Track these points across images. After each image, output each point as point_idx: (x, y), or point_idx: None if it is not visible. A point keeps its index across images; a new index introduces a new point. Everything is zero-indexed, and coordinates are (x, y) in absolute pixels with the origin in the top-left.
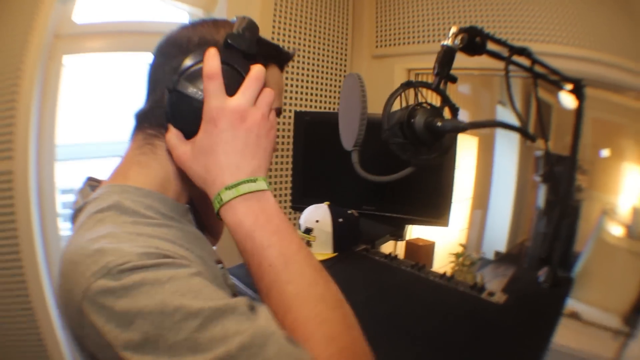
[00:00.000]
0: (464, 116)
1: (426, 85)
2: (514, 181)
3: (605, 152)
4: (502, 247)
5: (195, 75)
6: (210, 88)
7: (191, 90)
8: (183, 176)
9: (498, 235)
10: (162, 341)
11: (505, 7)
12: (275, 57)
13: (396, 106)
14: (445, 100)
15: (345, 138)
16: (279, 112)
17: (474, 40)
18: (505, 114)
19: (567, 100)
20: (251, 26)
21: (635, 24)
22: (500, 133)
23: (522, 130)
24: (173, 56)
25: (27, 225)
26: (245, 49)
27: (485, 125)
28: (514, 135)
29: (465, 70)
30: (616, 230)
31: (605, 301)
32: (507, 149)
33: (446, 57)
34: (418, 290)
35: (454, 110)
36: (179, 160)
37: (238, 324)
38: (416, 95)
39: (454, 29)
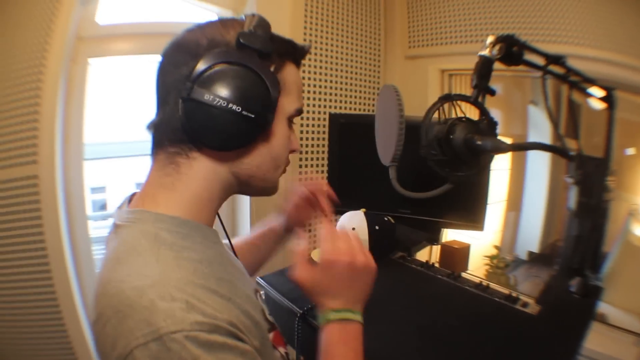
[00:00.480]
0: (495, 116)
1: (465, 98)
2: (546, 182)
3: (630, 151)
4: (534, 247)
5: (210, 81)
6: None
7: (207, 97)
8: (210, 196)
9: (531, 235)
10: None
11: (537, 7)
12: (290, 53)
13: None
14: (484, 114)
15: (382, 152)
16: (299, 112)
17: (512, 50)
18: (537, 114)
19: (596, 102)
20: (263, 23)
21: None
22: (532, 134)
23: (561, 151)
24: (183, 63)
25: (55, 229)
26: (260, 48)
27: (526, 148)
28: (546, 136)
29: (497, 72)
30: None
31: (631, 304)
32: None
33: (484, 68)
34: (454, 300)
35: (492, 125)
36: (304, 282)
37: None
38: (454, 109)
39: (491, 38)
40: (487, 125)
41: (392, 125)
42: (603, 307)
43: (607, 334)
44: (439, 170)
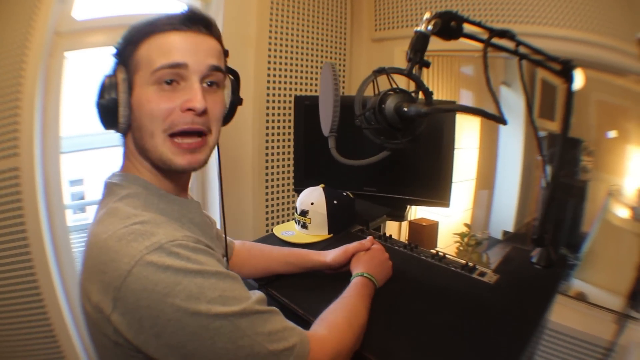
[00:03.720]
0: (467, 97)
1: (398, 71)
2: (520, 161)
3: (612, 133)
4: (509, 227)
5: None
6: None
7: None
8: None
9: (505, 215)
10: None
11: None
12: (145, 33)
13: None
14: (419, 85)
15: (324, 124)
16: (167, 66)
17: (449, 25)
18: (509, 95)
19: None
20: (125, 33)
21: (630, 7)
22: (505, 112)
23: (484, 113)
24: None
25: (35, 219)
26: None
27: (448, 110)
28: (518, 114)
29: (466, 53)
30: (621, 212)
31: (610, 283)
32: (512, 129)
33: (419, 43)
34: (409, 270)
35: (428, 95)
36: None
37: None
38: (389, 81)
39: (427, 15)
40: (424, 96)
41: (330, 99)
42: (582, 286)
43: (586, 312)
44: (374, 139)
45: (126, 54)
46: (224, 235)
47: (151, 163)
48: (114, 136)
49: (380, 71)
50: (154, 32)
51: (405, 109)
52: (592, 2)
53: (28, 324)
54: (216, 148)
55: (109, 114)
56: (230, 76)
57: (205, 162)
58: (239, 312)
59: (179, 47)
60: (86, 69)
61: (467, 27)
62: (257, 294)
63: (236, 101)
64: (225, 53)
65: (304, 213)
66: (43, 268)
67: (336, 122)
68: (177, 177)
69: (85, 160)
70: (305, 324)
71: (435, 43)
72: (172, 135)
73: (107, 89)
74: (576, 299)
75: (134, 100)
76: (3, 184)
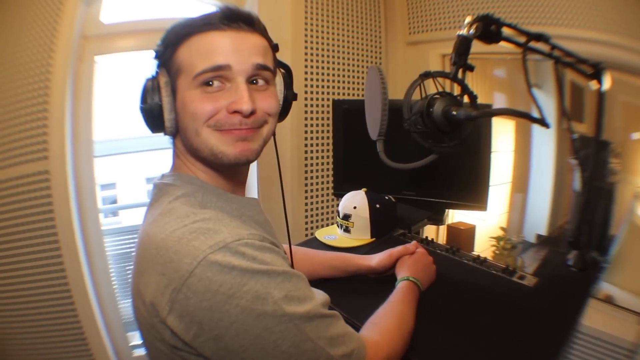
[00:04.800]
0: (500, 100)
1: (444, 75)
2: (552, 163)
3: (636, 135)
4: (543, 230)
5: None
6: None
7: None
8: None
9: (539, 218)
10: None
11: None
12: (184, 35)
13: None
14: (464, 89)
15: (371, 128)
16: (209, 70)
17: (489, 29)
18: (541, 97)
19: (594, 84)
20: (164, 35)
21: None
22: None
23: (529, 116)
24: None
25: (68, 222)
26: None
27: (497, 113)
28: (550, 117)
29: (498, 55)
30: None
31: (637, 285)
32: (545, 132)
33: (462, 47)
34: (452, 273)
35: (473, 98)
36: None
37: (307, 289)
38: (435, 84)
39: (468, 19)
40: (469, 99)
41: (377, 102)
42: (610, 289)
43: (612, 315)
44: (422, 142)
45: (166, 57)
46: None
47: (203, 162)
48: (148, 141)
49: (426, 75)
50: (192, 33)
51: (455, 113)
52: (614, 3)
53: (59, 327)
54: (273, 144)
55: (154, 118)
56: (282, 70)
57: (259, 152)
58: (304, 315)
59: (220, 47)
60: (119, 74)
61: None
62: (322, 296)
63: (290, 96)
64: (275, 47)
65: (346, 217)
66: (75, 271)
67: (385, 126)
68: (232, 174)
69: (118, 164)
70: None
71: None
72: (219, 130)
73: (150, 93)
74: (604, 302)
75: (178, 104)
76: (33, 187)
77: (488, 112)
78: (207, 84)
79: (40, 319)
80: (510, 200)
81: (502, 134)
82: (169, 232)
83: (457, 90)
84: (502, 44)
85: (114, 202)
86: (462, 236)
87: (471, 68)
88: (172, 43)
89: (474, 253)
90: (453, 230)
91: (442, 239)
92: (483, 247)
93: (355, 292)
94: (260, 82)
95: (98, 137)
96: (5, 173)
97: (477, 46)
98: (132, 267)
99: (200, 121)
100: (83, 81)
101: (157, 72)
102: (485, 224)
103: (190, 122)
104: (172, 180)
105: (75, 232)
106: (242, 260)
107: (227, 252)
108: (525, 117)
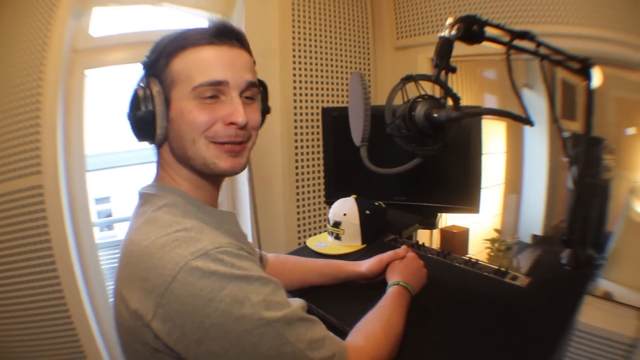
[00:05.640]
0: (491, 102)
1: (426, 77)
2: (546, 163)
3: (630, 130)
4: (538, 230)
5: None
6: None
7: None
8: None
9: (534, 218)
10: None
11: None
12: (178, 47)
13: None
14: (447, 91)
15: (355, 134)
16: (208, 84)
17: (472, 29)
18: (532, 97)
19: (582, 80)
20: (154, 46)
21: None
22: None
23: (512, 115)
24: None
25: (62, 237)
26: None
27: (478, 114)
28: (542, 116)
29: (487, 57)
30: None
31: (635, 281)
32: (537, 131)
33: (444, 49)
34: (443, 276)
35: (456, 100)
36: (394, 265)
37: (284, 296)
38: (417, 88)
39: (450, 20)
40: (452, 101)
41: (360, 109)
42: (608, 285)
43: (610, 310)
44: (405, 146)
45: (158, 67)
46: (256, 246)
47: (191, 170)
48: (141, 154)
49: (408, 79)
50: (188, 45)
51: (436, 115)
52: None
53: (57, 341)
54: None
55: (144, 126)
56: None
57: (245, 165)
58: (282, 318)
59: (217, 63)
60: (109, 87)
61: (487, 31)
62: (299, 301)
63: (265, 110)
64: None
65: (336, 224)
66: (71, 285)
67: (367, 132)
68: (211, 187)
69: (111, 178)
70: (341, 334)
71: (456, 48)
72: (214, 142)
73: (142, 101)
74: (601, 298)
75: (172, 113)
76: (27, 202)
77: (469, 113)
78: (207, 97)
79: (36, 333)
80: (504, 202)
81: (494, 136)
82: (152, 240)
83: (440, 93)
84: (491, 44)
85: (109, 215)
86: (456, 239)
87: (453, 70)
88: (166, 54)
89: (465, 256)
90: (446, 234)
91: (435, 243)
92: (478, 249)
93: (346, 299)
94: (249, 97)
95: (91, 150)
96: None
97: (466, 49)
98: (115, 272)
99: (198, 131)
100: (74, 95)
101: (147, 82)
102: (479, 227)
103: (188, 130)
104: (155, 190)
105: (69, 246)
106: (221, 266)
107: (208, 259)
108: (508, 117)
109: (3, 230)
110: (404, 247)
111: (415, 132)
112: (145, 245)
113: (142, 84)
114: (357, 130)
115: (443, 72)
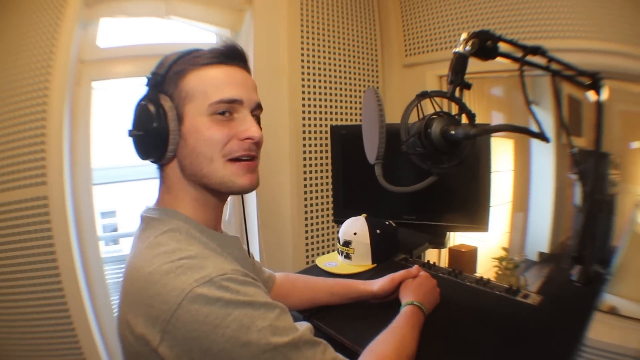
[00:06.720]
0: (498, 118)
1: (441, 94)
2: (552, 180)
3: (635, 144)
4: (545, 247)
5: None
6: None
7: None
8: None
9: (540, 236)
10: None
11: (531, 6)
12: (191, 64)
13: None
14: (462, 108)
15: (369, 152)
16: (224, 102)
17: (486, 45)
18: (540, 113)
19: (592, 95)
20: (163, 61)
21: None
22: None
23: (529, 131)
24: None
25: (67, 249)
26: (152, 85)
27: (496, 130)
28: (549, 133)
29: (495, 73)
30: None
31: None
32: (544, 148)
33: (459, 64)
34: (455, 296)
35: (471, 117)
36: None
37: (290, 321)
38: (433, 104)
39: (464, 35)
40: (467, 118)
41: (375, 125)
42: (614, 300)
43: (617, 325)
44: (420, 164)
45: (167, 83)
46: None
47: (201, 189)
48: (148, 169)
49: (423, 95)
50: (201, 64)
51: (453, 132)
52: (604, 11)
53: (60, 352)
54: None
55: (155, 142)
56: None
57: (259, 182)
58: (289, 343)
59: (232, 82)
60: (116, 100)
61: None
62: (305, 325)
63: None
64: None
65: (347, 243)
66: (75, 299)
67: (383, 148)
68: (217, 207)
69: (118, 193)
70: (353, 355)
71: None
72: (230, 160)
73: (154, 118)
74: (608, 313)
75: (185, 129)
76: (32, 212)
77: (487, 130)
78: (220, 113)
79: (41, 346)
80: (512, 220)
81: (501, 154)
82: (156, 266)
83: (455, 109)
84: (499, 60)
85: (115, 229)
86: (464, 258)
87: (468, 86)
88: (177, 70)
89: (476, 274)
90: (455, 253)
91: (444, 262)
92: (485, 268)
93: (357, 319)
94: (255, 116)
95: (97, 164)
96: (4, 197)
97: (473, 65)
98: (118, 297)
99: (217, 148)
100: (81, 106)
101: (156, 97)
102: (487, 245)
103: (206, 148)
104: (157, 214)
105: (75, 260)
106: (226, 293)
107: (212, 286)
108: (524, 132)
109: (8, 239)
110: (416, 266)
111: (431, 150)
112: (149, 272)
113: (150, 100)
114: (372, 147)
115: (458, 89)
